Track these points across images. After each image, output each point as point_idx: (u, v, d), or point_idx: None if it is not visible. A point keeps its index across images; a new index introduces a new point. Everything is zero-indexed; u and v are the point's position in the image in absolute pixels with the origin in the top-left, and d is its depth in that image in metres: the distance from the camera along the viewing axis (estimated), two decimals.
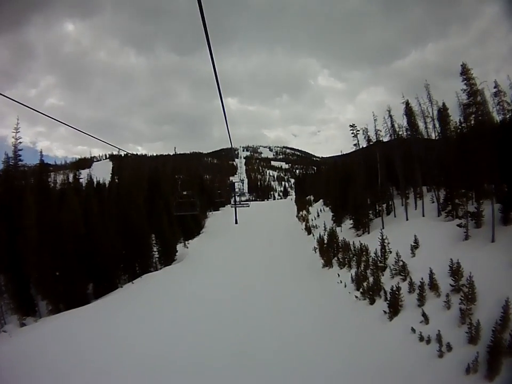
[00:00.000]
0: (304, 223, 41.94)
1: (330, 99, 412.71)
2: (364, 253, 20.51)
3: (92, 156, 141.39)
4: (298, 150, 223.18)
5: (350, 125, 27.92)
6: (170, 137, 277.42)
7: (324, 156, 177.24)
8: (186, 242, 35.92)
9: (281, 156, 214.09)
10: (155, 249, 29.76)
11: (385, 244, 19.49)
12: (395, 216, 25.99)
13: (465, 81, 18.58)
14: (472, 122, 18.84)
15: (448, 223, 19.78)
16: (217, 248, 33.61)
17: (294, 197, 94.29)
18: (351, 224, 28.52)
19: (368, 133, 27.85)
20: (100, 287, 24.60)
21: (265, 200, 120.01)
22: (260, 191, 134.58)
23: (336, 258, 23.56)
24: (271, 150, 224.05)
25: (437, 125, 24.08)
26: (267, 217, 54.92)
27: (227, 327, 16.20)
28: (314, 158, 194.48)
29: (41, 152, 24.79)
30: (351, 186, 27.98)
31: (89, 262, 23.83)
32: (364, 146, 28.42)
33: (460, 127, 21.10)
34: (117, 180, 37.20)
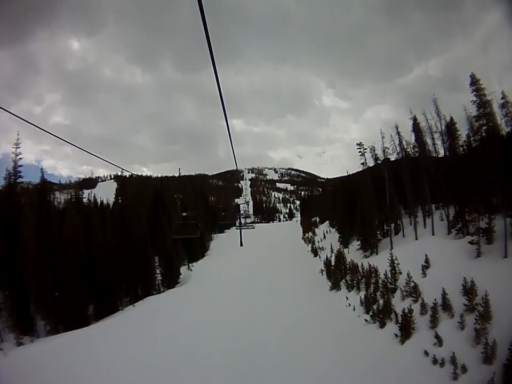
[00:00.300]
0: (310, 245, 41.26)
1: (335, 118, 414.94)
2: (373, 274, 19.85)
3: (97, 176, 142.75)
4: (303, 172, 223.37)
5: (357, 143, 27.58)
6: (176, 158, 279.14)
7: (329, 177, 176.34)
8: (191, 264, 35.19)
9: (287, 178, 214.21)
10: (158, 272, 29.14)
11: (395, 264, 18.94)
12: (404, 236, 25.30)
13: (474, 92, 18.34)
14: (483, 134, 18.47)
15: (458, 241, 19.18)
16: (222, 271, 32.80)
17: (300, 218, 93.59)
18: (359, 245, 27.89)
19: (375, 151, 27.46)
20: (101, 308, 24.02)
21: (271, 222, 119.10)
22: (265, 213, 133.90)
23: (344, 280, 22.85)
24: (276, 171, 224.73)
25: (445, 140, 23.51)
26: (272, 239, 54.22)
27: (230, 358, 15.34)
28: (320, 179, 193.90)
29: (42, 169, 24.62)
30: (358, 205, 27.39)
31: (90, 282, 23.39)
32: (371, 165, 27.98)
33: (469, 140, 20.75)
34: (120, 200, 37.13)
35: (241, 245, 49.41)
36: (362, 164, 27.74)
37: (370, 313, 17.28)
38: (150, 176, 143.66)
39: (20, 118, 5.69)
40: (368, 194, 26.11)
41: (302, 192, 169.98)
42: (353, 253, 27.64)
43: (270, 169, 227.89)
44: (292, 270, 31.08)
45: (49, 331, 21.84)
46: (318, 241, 40.83)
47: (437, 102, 24.62)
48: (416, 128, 25.40)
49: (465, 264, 16.44)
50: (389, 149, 26.01)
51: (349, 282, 21.80)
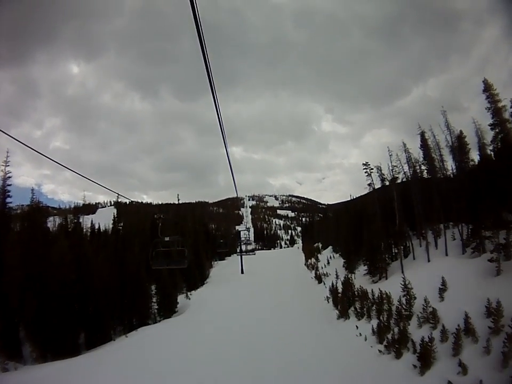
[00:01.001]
0: (313, 271, 39.59)
1: (335, 144, 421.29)
2: (385, 300, 18.35)
3: (97, 202, 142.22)
4: (303, 198, 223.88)
5: (363, 163, 26.29)
6: (176, 186, 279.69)
7: (329, 203, 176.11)
8: (189, 293, 33.37)
9: (287, 204, 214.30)
10: (154, 300, 27.36)
11: (408, 289, 17.61)
12: (414, 258, 23.85)
13: (488, 99, 17.69)
14: (498, 144, 17.64)
15: (475, 260, 18.03)
16: (222, 300, 30.88)
17: (301, 245, 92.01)
18: (366, 270, 26.39)
19: (382, 171, 26.33)
20: (93, 337, 22.29)
21: (272, 248, 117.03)
22: (266, 240, 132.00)
23: (352, 308, 21.11)
24: (276, 198, 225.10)
25: (456, 154, 22.50)
26: (274, 266, 52.47)
27: None
28: (320, 205, 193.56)
29: (32, 190, 23.33)
30: (365, 229, 26.13)
31: (81, 310, 21.82)
32: (378, 186, 26.65)
33: (483, 151, 19.88)
34: (120, 227, 35.97)
35: (242, 272, 47.78)
36: (369, 184, 26.35)
37: (385, 343, 15.62)
38: (150, 203, 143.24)
39: (19, 141, 5.57)
40: (376, 216, 24.86)
41: (303, 219, 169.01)
42: (360, 278, 26.07)
43: (270, 196, 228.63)
44: (295, 297, 29.27)
45: (35, 358, 20.28)
46: (322, 267, 39.23)
47: (446, 114, 23.42)
48: (425, 144, 24.60)
49: (485, 283, 15.27)
50: (397, 167, 24.86)
51: (359, 310, 20.06)
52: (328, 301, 25.15)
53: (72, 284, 21.41)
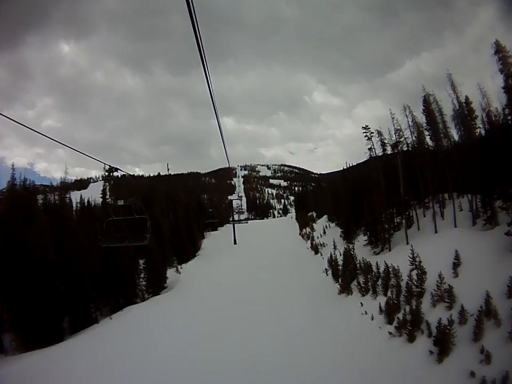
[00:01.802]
0: (309, 241, 38.34)
1: (327, 115, 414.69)
2: (392, 275, 16.84)
3: (89, 177, 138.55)
4: (296, 168, 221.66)
5: (363, 127, 23.94)
6: (169, 158, 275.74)
7: (322, 173, 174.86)
8: (180, 266, 31.86)
9: (280, 174, 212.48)
10: (142, 276, 25.62)
11: (416, 262, 16.15)
12: (419, 229, 22.30)
13: (500, 61, 15.71)
14: None
15: (488, 233, 16.53)
16: (214, 274, 29.39)
17: (294, 214, 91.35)
18: (366, 240, 24.84)
19: (383, 136, 24.06)
20: (77, 321, 20.82)
21: (265, 218, 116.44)
22: (259, 210, 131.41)
23: (355, 282, 19.51)
24: (269, 168, 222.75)
25: (464, 119, 20.55)
26: (268, 236, 51.27)
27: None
28: (313, 175, 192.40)
29: (13, 165, 21.10)
30: (365, 197, 24.27)
31: (64, 292, 20.16)
32: (379, 153, 24.33)
33: (496, 117, 17.94)
34: (108, 200, 34.00)
35: (235, 243, 46.43)
36: (369, 149, 24.09)
37: (395, 323, 14.23)
38: (142, 175, 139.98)
39: (14, 120, 5.54)
40: (378, 183, 22.92)
41: (296, 188, 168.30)
42: (359, 250, 24.43)
43: (262, 166, 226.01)
44: (292, 269, 27.95)
45: (16, 348, 18.73)
46: (318, 237, 37.95)
47: (451, 77, 21.98)
48: (428, 108, 22.41)
49: (502, 259, 13.72)
50: (400, 130, 22.51)
51: (362, 285, 18.51)
52: (327, 273, 23.83)
53: (52, 264, 19.52)
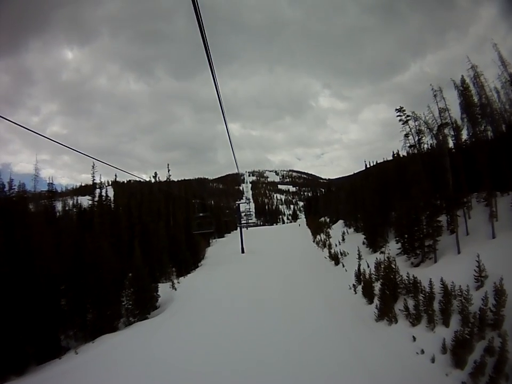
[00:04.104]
0: (326, 250, 33.93)
1: (333, 120, 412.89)
2: (450, 296, 12.39)
3: (95, 182, 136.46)
4: (304, 173, 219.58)
5: (397, 109, 19.01)
6: (176, 164, 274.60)
7: (330, 178, 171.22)
8: (177, 280, 27.43)
9: (288, 179, 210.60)
10: (129, 292, 21.01)
11: (482, 277, 11.85)
12: (467, 234, 17.76)
13: None
14: None
15: None
16: (216, 290, 24.75)
17: (304, 219, 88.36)
18: (399, 248, 20.29)
19: (416, 122, 19.57)
20: (43, 350, 16.69)
21: (274, 224, 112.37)
22: (268, 215, 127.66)
23: (401, 305, 14.26)
24: (277, 173, 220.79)
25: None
26: (279, 244, 46.97)
27: None
28: (321, 180, 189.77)
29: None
30: (398, 196, 19.85)
31: (23, 315, 16.09)
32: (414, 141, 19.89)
33: None
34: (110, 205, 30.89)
35: (242, 251, 42.00)
36: (406, 136, 19.43)
37: (469, 368, 9.81)
38: (149, 181, 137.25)
39: (21, 126, 5.84)
40: (418, 176, 18.25)
41: (305, 193, 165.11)
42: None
43: (270, 171, 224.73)
44: (309, 285, 23.20)
45: None
46: (336, 245, 33.55)
47: (498, 47, 18.47)
48: (477, 81, 18.19)
49: None
50: (447, 110, 17.97)
51: (413, 310, 13.45)
52: (355, 290, 19.32)
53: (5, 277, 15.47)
